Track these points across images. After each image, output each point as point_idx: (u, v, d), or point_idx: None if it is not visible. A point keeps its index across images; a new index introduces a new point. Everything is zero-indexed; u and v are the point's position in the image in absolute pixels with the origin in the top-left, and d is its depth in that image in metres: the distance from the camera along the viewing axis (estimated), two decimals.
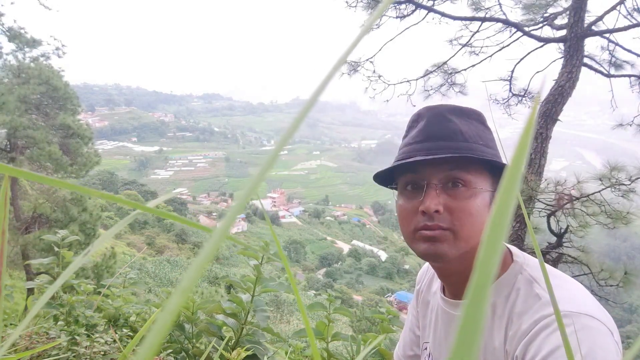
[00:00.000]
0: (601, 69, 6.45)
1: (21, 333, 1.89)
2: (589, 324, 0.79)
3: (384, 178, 1.07)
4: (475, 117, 1.02)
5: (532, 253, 2.20)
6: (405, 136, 1.06)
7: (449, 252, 0.93)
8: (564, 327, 0.25)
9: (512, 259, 0.99)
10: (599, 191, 5.84)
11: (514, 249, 1.03)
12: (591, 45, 6.27)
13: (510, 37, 6.88)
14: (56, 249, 2.35)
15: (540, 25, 6.77)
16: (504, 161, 0.99)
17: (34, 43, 13.41)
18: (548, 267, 0.93)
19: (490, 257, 0.13)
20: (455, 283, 1.04)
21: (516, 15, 6.83)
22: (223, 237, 0.15)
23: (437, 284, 1.16)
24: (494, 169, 0.98)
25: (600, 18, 6.03)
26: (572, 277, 0.95)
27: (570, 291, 0.88)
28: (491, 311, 0.94)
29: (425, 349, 1.19)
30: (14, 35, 12.84)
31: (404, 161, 0.97)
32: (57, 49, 14.27)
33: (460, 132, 0.97)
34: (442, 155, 0.93)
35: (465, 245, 0.94)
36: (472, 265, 0.95)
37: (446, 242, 0.93)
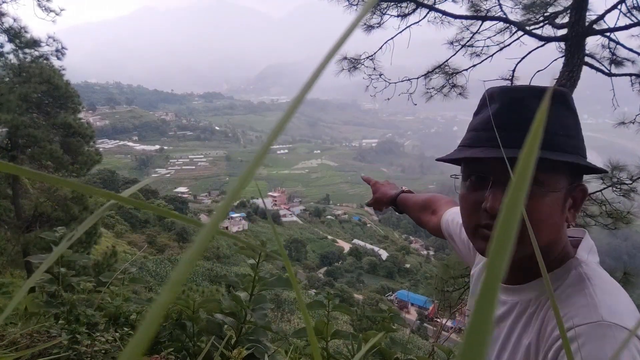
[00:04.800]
0: (602, 67, 6.44)
1: (22, 332, 1.90)
2: (625, 338, 0.72)
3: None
4: (559, 99, 0.89)
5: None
6: (475, 113, 0.95)
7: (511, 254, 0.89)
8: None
9: (574, 252, 0.92)
10: (600, 190, 5.84)
11: (585, 242, 0.96)
12: (592, 44, 6.26)
13: (510, 36, 6.88)
14: (54, 247, 2.35)
15: (541, 24, 6.76)
16: (586, 151, 0.91)
17: (34, 44, 13.42)
18: (600, 270, 0.88)
19: (499, 260, 0.13)
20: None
21: (516, 15, 6.82)
22: (213, 232, 0.15)
23: None
24: (573, 164, 0.87)
25: (601, 17, 6.02)
26: None
27: (614, 301, 0.80)
28: (533, 307, 0.89)
29: (468, 315, 1.19)
30: (15, 36, 12.84)
31: (466, 154, 0.89)
32: (57, 50, 14.27)
33: None
34: (509, 155, 0.82)
35: (527, 249, 0.84)
36: (528, 259, 0.90)
37: None
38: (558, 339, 0.79)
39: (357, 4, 6.92)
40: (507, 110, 0.88)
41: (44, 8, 12.33)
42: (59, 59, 14.35)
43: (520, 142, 0.83)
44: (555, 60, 6.43)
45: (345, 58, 7.15)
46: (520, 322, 0.91)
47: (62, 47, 14.27)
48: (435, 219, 1.49)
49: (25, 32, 12.94)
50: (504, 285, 0.99)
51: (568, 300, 0.82)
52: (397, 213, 1.74)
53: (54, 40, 14.09)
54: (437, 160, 1.02)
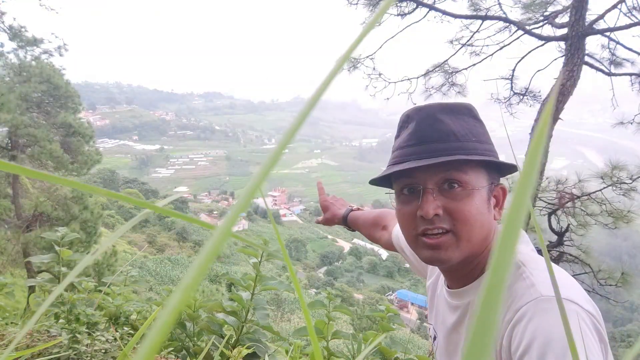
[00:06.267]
0: (602, 67, 6.44)
1: (24, 332, 1.90)
2: (569, 308, 0.81)
3: (381, 179, 1.07)
4: (465, 112, 1.01)
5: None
6: (397, 136, 1.07)
7: (453, 256, 0.95)
8: (564, 310, 0.26)
9: None
10: (601, 190, 5.85)
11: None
12: (592, 43, 6.25)
13: (510, 36, 6.88)
14: (56, 247, 2.35)
15: (541, 23, 6.76)
16: (497, 152, 1.01)
17: (35, 42, 13.41)
18: (534, 255, 0.97)
19: (504, 260, 0.13)
20: (450, 274, 1.06)
21: (516, 14, 6.82)
22: (226, 235, 0.15)
23: None
24: (489, 163, 0.98)
25: (601, 17, 6.02)
26: (573, 275, 0.96)
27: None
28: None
29: (429, 329, 1.24)
30: (15, 34, 12.83)
31: (396, 168, 0.98)
32: (59, 47, 14.26)
33: (452, 132, 0.96)
34: (434, 162, 0.93)
35: (467, 245, 0.94)
36: (470, 260, 0.98)
37: (449, 247, 0.94)
38: (508, 323, 0.85)
39: (356, 3, 6.93)
40: (424, 125, 0.99)
41: (45, 7, 12.34)
42: (61, 55, 14.35)
43: (439, 151, 0.95)
44: (556, 59, 6.43)
45: (348, 59, 7.15)
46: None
47: (64, 44, 14.27)
48: (386, 234, 1.55)
49: (25, 31, 12.93)
50: (452, 290, 1.06)
51: (510, 289, 0.90)
52: (349, 231, 1.78)
53: (56, 37, 14.10)
54: (370, 183, 1.12)
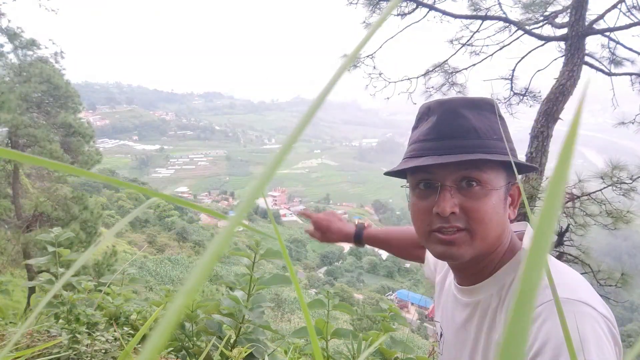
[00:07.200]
0: (602, 67, 6.44)
1: (22, 331, 1.90)
2: (582, 310, 0.80)
3: (396, 171, 1.04)
4: (488, 107, 0.99)
5: None
6: (415, 127, 1.04)
7: (466, 253, 0.94)
8: (562, 314, 0.25)
9: (521, 244, 1.01)
10: (601, 190, 5.84)
11: (528, 233, 1.03)
12: (592, 43, 6.25)
13: (510, 36, 6.88)
14: (51, 248, 2.34)
15: (541, 23, 6.76)
16: (516, 151, 0.99)
17: (33, 44, 13.44)
18: (549, 256, 0.97)
19: (535, 270, 0.13)
20: (461, 272, 1.05)
21: (516, 14, 6.82)
22: (231, 235, 0.15)
23: None
24: (509, 163, 0.96)
25: (601, 16, 6.02)
26: None
27: (567, 278, 0.88)
28: (496, 302, 0.96)
29: (435, 326, 1.22)
30: (12, 36, 12.85)
31: (414, 163, 0.95)
32: (56, 53, 14.31)
33: (474, 129, 0.94)
34: (454, 160, 0.91)
35: (481, 243, 0.93)
36: (481, 258, 0.97)
37: (463, 244, 0.93)
38: None
39: (356, 2, 6.94)
40: (445, 120, 0.96)
41: (44, 7, 12.36)
42: (57, 62, 14.40)
43: (460, 147, 0.93)
44: (556, 59, 6.43)
45: (345, 55, 7.16)
46: (486, 319, 0.97)
47: (61, 51, 14.31)
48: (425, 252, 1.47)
49: (22, 32, 12.96)
50: (463, 287, 1.05)
51: None
52: (358, 247, 1.73)
53: (53, 44, 14.14)
54: (385, 174, 1.09)
